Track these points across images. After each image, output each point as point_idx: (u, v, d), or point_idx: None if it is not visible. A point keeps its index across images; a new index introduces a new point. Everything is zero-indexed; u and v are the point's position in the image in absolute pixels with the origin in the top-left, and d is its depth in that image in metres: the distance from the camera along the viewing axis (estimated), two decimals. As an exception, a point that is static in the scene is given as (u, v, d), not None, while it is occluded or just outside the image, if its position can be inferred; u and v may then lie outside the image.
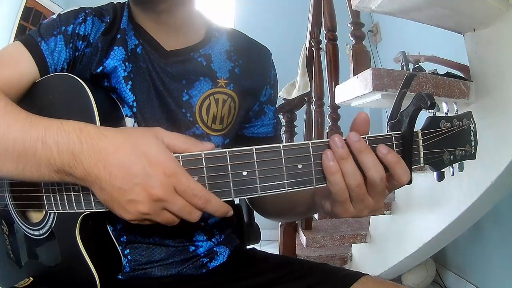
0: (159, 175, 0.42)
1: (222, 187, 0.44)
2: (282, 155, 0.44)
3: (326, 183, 0.45)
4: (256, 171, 0.44)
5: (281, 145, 0.44)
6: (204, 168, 0.44)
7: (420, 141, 0.48)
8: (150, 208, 0.42)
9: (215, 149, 0.45)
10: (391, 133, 0.47)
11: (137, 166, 0.42)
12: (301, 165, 0.44)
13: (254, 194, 0.45)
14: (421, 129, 0.48)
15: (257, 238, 0.92)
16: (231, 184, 0.44)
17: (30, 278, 0.61)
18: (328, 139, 0.45)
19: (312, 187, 0.45)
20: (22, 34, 2.66)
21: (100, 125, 0.51)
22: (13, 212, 0.63)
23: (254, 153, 0.44)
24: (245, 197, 0.81)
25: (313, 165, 0.45)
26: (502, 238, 1.66)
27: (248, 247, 0.81)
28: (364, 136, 0.45)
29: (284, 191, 0.45)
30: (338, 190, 0.45)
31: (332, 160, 0.44)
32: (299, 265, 0.68)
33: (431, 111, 0.48)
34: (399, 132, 0.47)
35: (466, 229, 1.44)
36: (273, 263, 0.70)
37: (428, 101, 0.44)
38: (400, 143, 0.47)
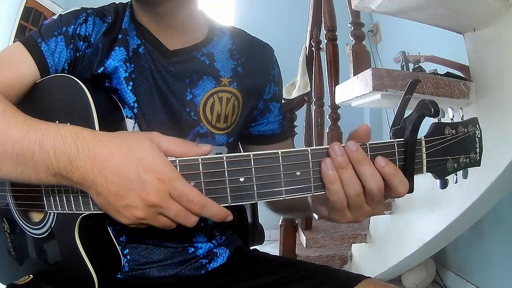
0: (154, 181, 0.41)
1: (219, 193, 0.44)
2: (280, 161, 0.43)
3: (324, 191, 0.45)
4: (254, 178, 0.43)
5: (279, 151, 0.43)
6: (201, 173, 0.43)
7: (423, 149, 0.46)
8: (145, 213, 0.42)
9: (212, 153, 0.45)
10: (393, 140, 0.46)
11: (131, 172, 0.42)
12: (299, 172, 0.44)
13: (251, 200, 0.44)
14: (425, 136, 0.47)
15: (261, 239, 0.91)
16: (228, 190, 0.43)
17: (30, 275, 0.62)
18: (327, 146, 0.44)
19: (310, 194, 0.45)
20: (22, 34, 2.66)
21: (99, 127, 0.51)
22: (14, 211, 0.63)
23: (252, 159, 0.43)
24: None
25: (311, 172, 0.44)
26: (502, 238, 1.66)
27: (251, 248, 0.81)
28: (365, 144, 0.44)
29: (282, 198, 0.44)
30: (337, 198, 0.44)
31: (331, 169, 0.43)
32: (300, 267, 0.68)
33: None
34: (402, 139, 0.45)
35: (466, 229, 1.44)
36: (274, 264, 0.69)
37: (432, 109, 0.43)
38: (402, 150, 0.45)
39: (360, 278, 0.62)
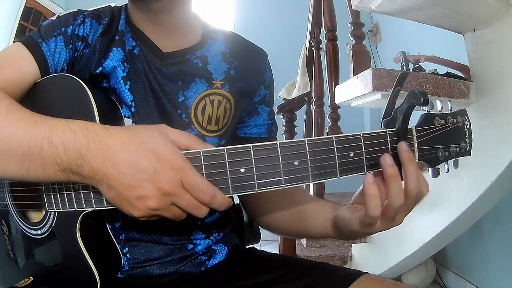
0: (167, 170, 0.42)
1: (220, 184, 0.45)
2: (279, 152, 0.45)
3: (322, 180, 0.46)
4: (254, 168, 0.44)
5: (277, 142, 0.45)
6: (203, 165, 0.44)
7: (415, 138, 0.49)
8: (159, 203, 0.42)
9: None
10: (385, 130, 0.47)
11: (145, 162, 0.42)
12: (297, 162, 0.45)
13: (252, 190, 0.45)
14: (415, 126, 0.49)
15: (256, 238, 0.92)
16: (229, 181, 0.45)
17: (30, 277, 0.61)
18: (323, 136, 0.46)
19: (309, 183, 0.46)
20: (22, 34, 2.66)
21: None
22: (13, 212, 0.63)
23: (252, 151, 0.44)
24: (243, 194, 0.81)
25: (309, 161, 0.45)
26: (502, 238, 1.66)
27: (247, 246, 0.81)
28: (359, 133, 0.46)
29: (281, 187, 0.45)
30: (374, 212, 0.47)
31: (372, 182, 0.46)
32: (298, 264, 0.68)
33: (425, 108, 0.49)
34: (393, 129, 0.48)
35: (466, 229, 1.44)
36: (272, 262, 0.70)
37: (421, 98, 0.45)
38: (394, 139, 0.47)
39: (358, 274, 0.62)
